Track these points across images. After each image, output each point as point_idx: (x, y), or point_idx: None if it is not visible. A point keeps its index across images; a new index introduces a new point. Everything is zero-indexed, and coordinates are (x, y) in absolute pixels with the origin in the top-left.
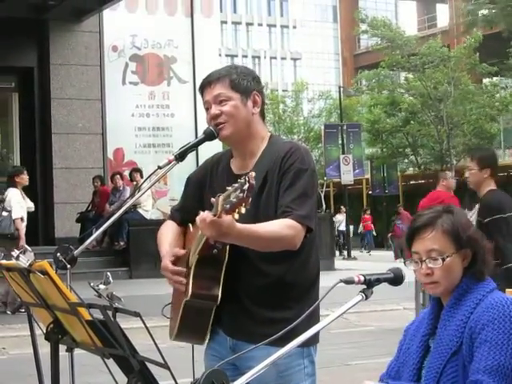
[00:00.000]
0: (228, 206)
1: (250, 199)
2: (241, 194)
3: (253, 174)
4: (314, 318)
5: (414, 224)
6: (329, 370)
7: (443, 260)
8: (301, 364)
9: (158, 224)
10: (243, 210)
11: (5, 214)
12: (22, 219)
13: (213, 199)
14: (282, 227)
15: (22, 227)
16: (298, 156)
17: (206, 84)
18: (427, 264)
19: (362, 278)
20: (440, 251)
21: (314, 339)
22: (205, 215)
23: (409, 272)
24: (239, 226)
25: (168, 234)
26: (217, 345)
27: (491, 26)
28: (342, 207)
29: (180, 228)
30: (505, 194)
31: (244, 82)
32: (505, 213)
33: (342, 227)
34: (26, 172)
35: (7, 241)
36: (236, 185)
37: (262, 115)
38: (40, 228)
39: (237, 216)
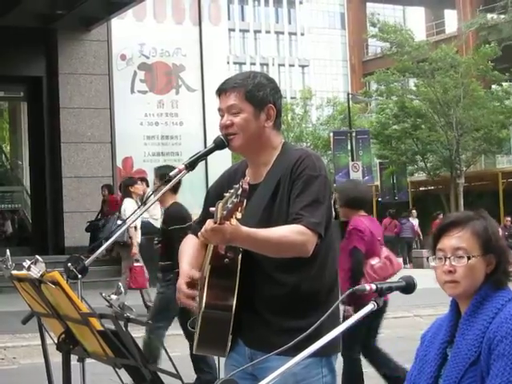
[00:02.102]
0: (225, 212)
1: (245, 204)
2: (235, 199)
3: (247, 178)
4: (335, 327)
5: (444, 221)
6: (339, 377)
7: (468, 258)
8: (319, 373)
9: None
10: (239, 215)
11: (119, 222)
12: (135, 228)
13: (212, 208)
14: (291, 232)
15: (136, 235)
16: (309, 163)
17: (222, 91)
18: (451, 261)
19: (374, 287)
20: (467, 251)
21: (334, 348)
22: (206, 224)
23: (420, 280)
24: (246, 229)
25: (188, 251)
26: (236, 354)
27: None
28: (413, 211)
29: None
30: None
31: (260, 94)
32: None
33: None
34: (140, 182)
35: (121, 248)
36: (232, 190)
37: (278, 125)
38: (49, 237)
39: (234, 222)
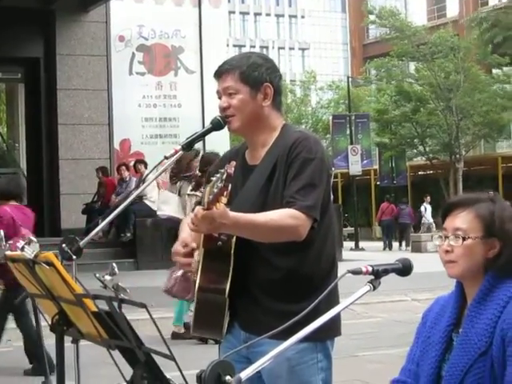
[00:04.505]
0: (211, 196)
1: (230, 188)
2: (220, 184)
3: (233, 162)
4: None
5: (450, 200)
6: (335, 361)
7: (464, 239)
8: (314, 358)
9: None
10: (224, 200)
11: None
12: None
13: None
14: (282, 217)
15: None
16: (306, 145)
17: (218, 73)
18: (450, 241)
19: (370, 269)
20: (466, 232)
21: (330, 333)
22: (196, 211)
23: (418, 264)
24: (235, 214)
25: (187, 227)
26: (232, 337)
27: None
28: (427, 196)
29: None
30: None
31: (255, 74)
32: None
33: (429, 219)
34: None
35: None
36: (218, 175)
37: (277, 105)
38: (46, 219)
39: (220, 206)
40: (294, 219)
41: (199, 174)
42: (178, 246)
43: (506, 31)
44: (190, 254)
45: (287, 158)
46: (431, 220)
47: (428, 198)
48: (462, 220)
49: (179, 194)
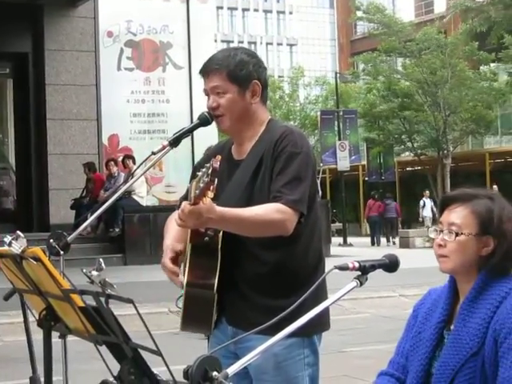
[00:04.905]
0: (198, 191)
1: (216, 182)
2: (206, 179)
3: (218, 157)
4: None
5: (447, 194)
6: (323, 356)
7: (456, 235)
8: (301, 354)
9: (153, 210)
10: (210, 195)
11: None
12: None
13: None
14: (268, 211)
15: None
16: (291, 139)
17: (205, 72)
18: (443, 235)
19: (357, 265)
20: (460, 227)
21: (317, 328)
22: (183, 206)
23: (406, 260)
24: (221, 209)
25: (172, 228)
26: (220, 333)
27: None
28: (427, 191)
29: None
30: None
31: (242, 73)
32: None
33: (428, 213)
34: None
35: None
36: (204, 169)
37: (264, 99)
38: (34, 214)
39: (207, 201)
40: (280, 213)
41: None
42: (167, 259)
43: (490, 22)
44: (176, 259)
45: (273, 152)
46: (430, 215)
47: (427, 192)
48: (457, 215)
49: None
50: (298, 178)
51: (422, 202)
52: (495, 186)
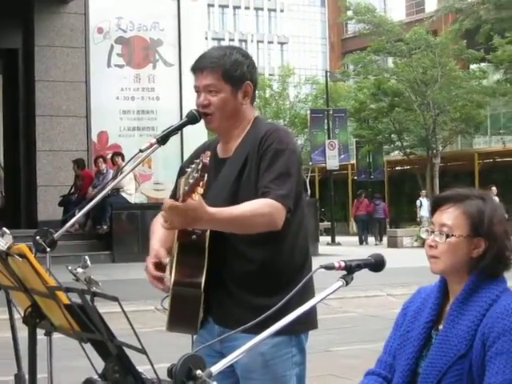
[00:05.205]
0: (187, 187)
1: (206, 178)
2: (196, 174)
3: (207, 153)
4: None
5: (439, 195)
6: (310, 355)
7: (447, 236)
8: (289, 353)
9: (141, 208)
10: (200, 191)
11: None
12: None
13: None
14: (257, 207)
15: None
16: (277, 136)
17: (198, 69)
18: (434, 236)
19: (343, 264)
20: (451, 228)
21: (304, 326)
22: (168, 204)
23: (394, 260)
24: (211, 209)
25: (159, 227)
26: (206, 332)
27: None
28: (493, 187)
29: None
30: None
31: (237, 73)
32: None
33: (425, 212)
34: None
35: None
36: (193, 165)
37: (253, 99)
38: (22, 211)
39: (197, 197)
40: (269, 208)
41: None
42: (150, 264)
43: (479, 21)
44: (159, 265)
45: (258, 149)
46: (428, 214)
47: (423, 192)
48: (448, 216)
49: None
50: (285, 173)
51: (418, 202)
52: (494, 188)
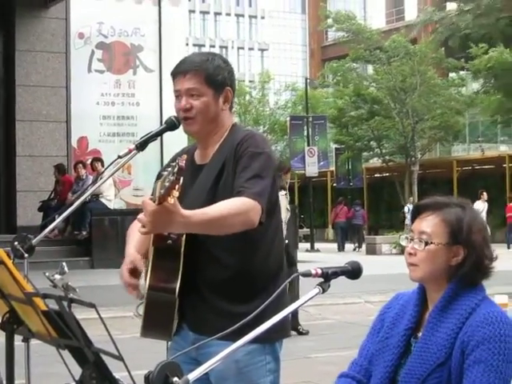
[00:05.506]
0: (163, 190)
1: (181, 181)
2: (172, 178)
3: (184, 156)
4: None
5: (419, 202)
6: (288, 362)
7: (426, 244)
8: (263, 360)
9: (120, 214)
10: (176, 194)
11: None
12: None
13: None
14: (232, 205)
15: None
16: (253, 142)
17: (180, 73)
18: (414, 244)
19: (320, 271)
20: (430, 236)
21: (279, 334)
22: (145, 205)
23: (372, 266)
24: (186, 211)
25: (136, 233)
26: (181, 339)
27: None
28: (484, 192)
29: None
30: None
31: (219, 78)
32: None
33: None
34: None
35: None
36: (169, 169)
37: (231, 106)
38: (2, 216)
39: (172, 201)
40: (244, 206)
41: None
42: (124, 270)
43: (458, 32)
44: (134, 271)
45: (235, 154)
46: None
47: (411, 199)
48: (427, 224)
49: None
50: (259, 175)
51: (406, 209)
52: (485, 193)
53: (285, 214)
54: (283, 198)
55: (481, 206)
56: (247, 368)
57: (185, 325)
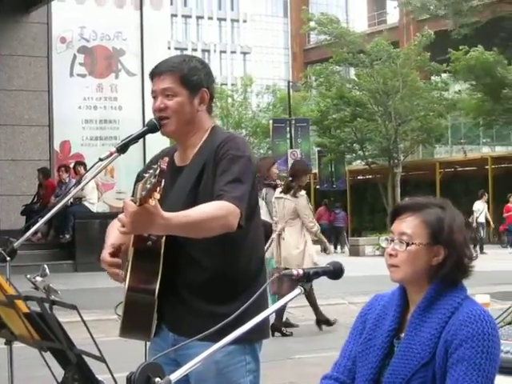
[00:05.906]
0: (144, 192)
1: (163, 184)
2: (153, 180)
3: (165, 158)
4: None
5: (399, 204)
6: (272, 363)
7: (407, 245)
8: (242, 361)
9: (104, 217)
10: (157, 196)
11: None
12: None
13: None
14: (212, 209)
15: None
16: (233, 145)
17: (157, 73)
18: (394, 245)
19: (301, 272)
20: (411, 237)
21: (258, 335)
22: (126, 205)
23: (356, 268)
24: (166, 213)
25: (115, 231)
26: (160, 340)
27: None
28: (485, 192)
29: None
30: None
31: (194, 79)
32: None
33: (482, 219)
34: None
35: None
36: (150, 171)
37: (209, 108)
38: None
39: (153, 202)
40: (224, 210)
41: (290, 178)
42: (105, 253)
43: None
44: (115, 254)
45: (215, 156)
46: None
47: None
48: (407, 225)
49: (265, 201)
50: (239, 179)
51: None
52: (485, 193)
53: (308, 211)
54: (303, 199)
55: (481, 206)
56: (227, 369)
57: (164, 326)
